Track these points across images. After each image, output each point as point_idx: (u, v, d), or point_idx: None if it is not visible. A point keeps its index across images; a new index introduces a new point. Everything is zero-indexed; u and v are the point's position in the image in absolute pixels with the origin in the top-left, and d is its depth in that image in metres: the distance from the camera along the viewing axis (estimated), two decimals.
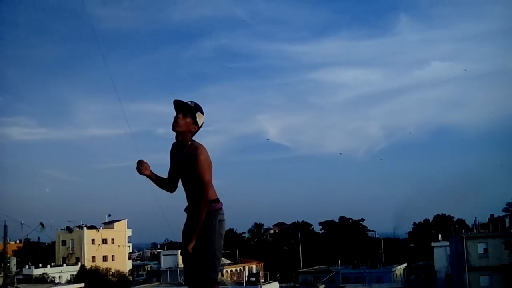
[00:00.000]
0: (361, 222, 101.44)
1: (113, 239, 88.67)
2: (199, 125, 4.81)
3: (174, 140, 4.91)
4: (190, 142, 4.82)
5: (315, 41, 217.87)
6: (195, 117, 4.78)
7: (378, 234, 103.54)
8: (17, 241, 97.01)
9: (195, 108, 4.80)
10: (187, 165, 4.73)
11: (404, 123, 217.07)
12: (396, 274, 73.42)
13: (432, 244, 69.87)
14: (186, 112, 4.76)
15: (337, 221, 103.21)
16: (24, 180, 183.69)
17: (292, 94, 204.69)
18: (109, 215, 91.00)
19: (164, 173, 5.12)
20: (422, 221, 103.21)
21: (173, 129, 4.76)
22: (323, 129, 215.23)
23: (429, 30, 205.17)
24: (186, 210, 5.00)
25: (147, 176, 4.91)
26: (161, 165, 5.18)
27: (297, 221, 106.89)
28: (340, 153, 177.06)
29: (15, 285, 41.96)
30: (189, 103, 4.81)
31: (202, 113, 4.82)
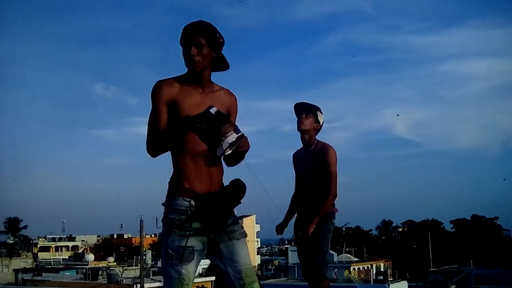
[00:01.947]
0: (494, 221, 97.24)
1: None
2: (321, 123, 5.17)
3: (299, 140, 5.31)
4: (316, 141, 5.21)
5: (444, 32, 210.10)
6: (317, 116, 5.19)
7: None
8: (152, 235, 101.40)
9: (316, 108, 5.22)
10: (316, 160, 5.11)
11: None
12: None
13: None
14: (308, 112, 5.17)
15: (469, 219, 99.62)
16: (159, 177, 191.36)
17: (420, 87, 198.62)
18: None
19: (286, 169, 5.50)
20: None
21: (298, 128, 5.18)
22: (454, 123, 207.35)
23: None
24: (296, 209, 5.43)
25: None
26: (285, 162, 5.54)
27: (427, 219, 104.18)
28: (504, 179, 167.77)
29: (150, 277, 43.76)
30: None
31: (321, 113, 5.19)
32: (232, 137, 2.88)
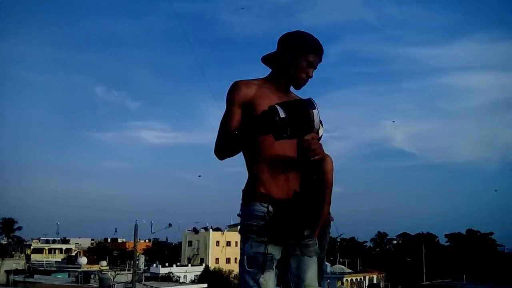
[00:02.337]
0: (489, 236, 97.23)
1: (236, 242, 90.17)
2: (320, 135, 5.21)
3: None
4: None
5: (446, 44, 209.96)
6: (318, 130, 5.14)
7: (508, 249, 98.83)
8: (147, 240, 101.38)
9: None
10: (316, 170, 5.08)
11: None
12: None
13: None
14: None
15: (464, 233, 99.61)
16: (157, 182, 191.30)
17: (421, 99, 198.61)
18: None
19: None
20: None
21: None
22: (453, 136, 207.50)
23: None
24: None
25: None
26: None
27: (422, 232, 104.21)
28: (495, 190, 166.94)
29: (142, 282, 43.71)
30: None
31: (322, 126, 5.21)
32: (315, 113, 2.85)
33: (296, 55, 3.12)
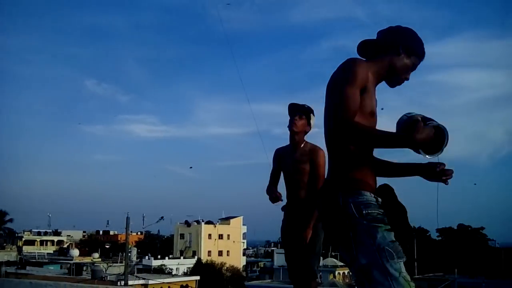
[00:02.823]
0: (480, 231, 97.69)
1: (228, 235, 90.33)
2: (312, 126, 5.16)
3: (288, 142, 5.31)
4: (304, 142, 5.23)
5: (436, 42, 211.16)
6: (309, 118, 5.21)
7: (498, 243, 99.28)
8: (138, 233, 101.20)
9: (309, 110, 5.21)
10: (305, 159, 5.12)
11: None
12: None
13: None
14: (302, 114, 5.17)
15: (455, 228, 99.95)
16: (148, 175, 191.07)
17: (411, 96, 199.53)
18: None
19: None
20: None
21: (290, 129, 5.16)
22: None
23: None
24: (284, 208, 5.30)
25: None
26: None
27: (414, 226, 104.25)
28: (475, 183, 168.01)
29: (135, 274, 43.60)
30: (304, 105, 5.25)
31: (314, 115, 5.17)
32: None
33: (408, 53, 3.00)
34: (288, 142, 5.30)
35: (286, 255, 5.34)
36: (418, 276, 76.55)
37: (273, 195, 5.12)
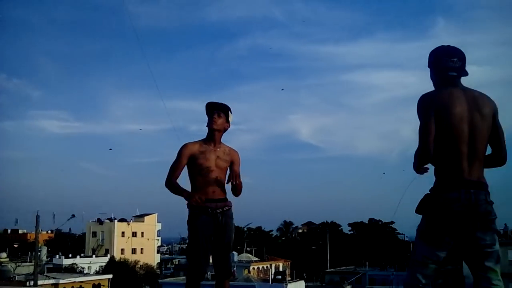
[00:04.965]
0: (390, 225, 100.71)
1: (142, 233, 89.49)
2: (230, 124, 5.21)
3: (201, 139, 5.34)
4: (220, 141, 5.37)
5: (350, 43, 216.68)
6: (228, 116, 5.32)
7: (407, 237, 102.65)
8: (49, 231, 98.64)
9: (227, 108, 5.35)
10: (228, 158, 5.29)
11: None
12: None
13: None
14: (220, 112, 5.29)
15: (366, 222, 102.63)
16: (59, 172, 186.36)
17: (325, 95, 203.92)
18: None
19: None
20: None
21: (211, 127, 5.25)
22: (356, 130, 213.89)
23: (466, 34, 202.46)
24: (198, 204, 5.25)
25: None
26: None
27: (326, 221, 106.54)
28: (384, 173, 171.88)
29: (45, 274, 42.53)
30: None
31: (231, 113, 5.22)
32: None
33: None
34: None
35: (203, 253, 5.18)
36: (330, 270, 78.37)
37: (198, 201, 5.03)
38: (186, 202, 5.12)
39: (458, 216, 3.65)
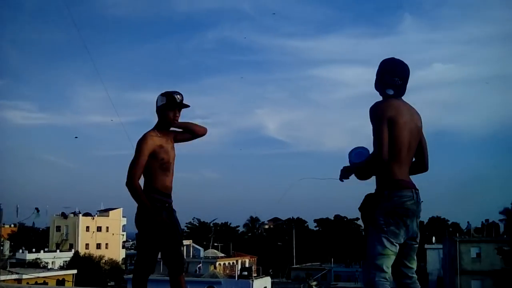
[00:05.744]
0: (355, 221, 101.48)
1: (107, 227, 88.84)
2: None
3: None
4: None
5: (318, 38, 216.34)
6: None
7: None
8: (12, 225, 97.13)
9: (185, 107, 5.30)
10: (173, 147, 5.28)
11: None
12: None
13: (425, 246, 69.80)
14: (180, 110, 5.26)
15: (332, 219, 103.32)
16: (22, 164, 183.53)
17: (292, 89, 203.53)
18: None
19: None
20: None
21: (173, 121, 5.19)
22: (323, 126, 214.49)
23: (433, 31, 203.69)
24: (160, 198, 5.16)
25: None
26: None
27: (292, 217, 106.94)
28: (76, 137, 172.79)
29: (7, 269, 41.92)
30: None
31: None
32: None
33: None
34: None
35: (153, 244, 5.11)
36: (296, 266, 78.76)
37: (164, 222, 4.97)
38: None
39: (410, 212, 4.19)
